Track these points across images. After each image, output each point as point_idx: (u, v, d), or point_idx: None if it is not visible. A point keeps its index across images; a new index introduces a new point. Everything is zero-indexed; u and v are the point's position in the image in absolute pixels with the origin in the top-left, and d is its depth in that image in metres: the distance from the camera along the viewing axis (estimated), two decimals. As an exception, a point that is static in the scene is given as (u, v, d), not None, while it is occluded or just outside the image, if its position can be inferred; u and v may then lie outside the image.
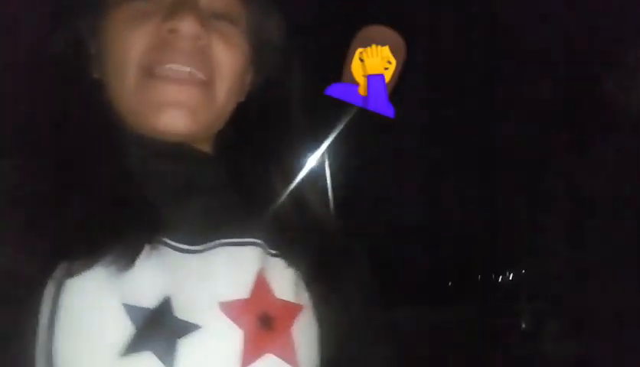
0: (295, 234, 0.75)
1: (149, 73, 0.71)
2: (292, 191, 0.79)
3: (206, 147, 0.79)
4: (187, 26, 0.71)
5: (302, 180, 0.81)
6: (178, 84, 0.71)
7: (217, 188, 0.76)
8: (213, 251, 0.69)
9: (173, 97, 0.71)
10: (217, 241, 0.70)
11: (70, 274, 0.63)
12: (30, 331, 0.61)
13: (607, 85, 1.29)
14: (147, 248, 0.66)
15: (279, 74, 0.82)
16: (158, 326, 0.63)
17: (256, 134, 0.81)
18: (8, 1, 0.91)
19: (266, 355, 0.66)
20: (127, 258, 0.64)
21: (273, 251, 0.73)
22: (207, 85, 0.73)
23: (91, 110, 0.74)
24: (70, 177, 0.69)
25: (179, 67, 0.71)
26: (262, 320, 0.67)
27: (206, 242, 0.70)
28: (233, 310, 0.66)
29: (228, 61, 0.75)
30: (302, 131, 0.83)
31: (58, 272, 0.63)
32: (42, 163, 0.71)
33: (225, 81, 0.75)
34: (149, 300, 0.64)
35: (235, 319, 0.66)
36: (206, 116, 0.74)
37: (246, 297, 0.68)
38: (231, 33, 0.75)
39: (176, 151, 0.74)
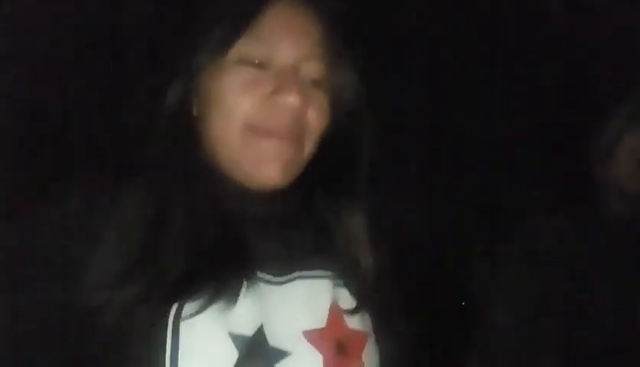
0: (358, 266, 0.86)
1: (252, 130, 0.83)
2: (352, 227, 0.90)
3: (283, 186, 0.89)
4: (292, 101, 0.82)
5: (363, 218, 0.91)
6: (278, 142, 0.83)
7: (294, 224, 0.87)
8: (293, 283, 0.81)
9: (274, 152, 0.83)
10: (295, 274, 0.81)
11: (186, 312, 0.74)
12: (159, 355, 0.73)
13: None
14: (249, 283, 0.78)
15: (349, 123, 0.92)
16: (257, 352, 0.75)
17: (328, 176, 0.92)
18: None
19: None
20: (233, 293, 0.76)
21: (340, 282, 0.84)
22: (299, 143, 0.85)
23: (195, 156, 0.86)
24: (177, 223, 0.80)
25: (280, 133, 0.83)
26: (338, 347, 0.79)
27: (287, 274, 0.81)
28: (314, 337, 0.78)
29: (317, 124, 0.86)
30: (365, 175, 0.93)
31: (173, 310, 0.74)
32: (154, 206, 0.81)
33: (312, 139, 0.87)
34: (248, 328, 0.75)
35: (316, 346, 0.78)
36: (295, 169, 0.86)
37: (322, 326, 0.79)
38: (321, 99, 0.87)
39: (268, 198, 0.85)
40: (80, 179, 0.89)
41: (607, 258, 1.22)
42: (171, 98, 0.87)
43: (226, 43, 0.84)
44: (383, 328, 0.86)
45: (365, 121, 0.93)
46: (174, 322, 0.73)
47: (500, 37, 2.03)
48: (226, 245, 0.80)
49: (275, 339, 0.76)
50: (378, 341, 0.85)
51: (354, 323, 0.83)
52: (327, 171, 0.91)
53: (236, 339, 0.74)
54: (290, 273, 0.82)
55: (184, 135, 0.86)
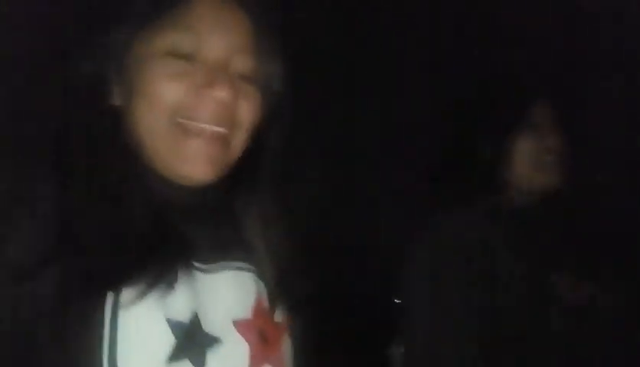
0: (269, 262, 0.90)
1: (181, 127, 0.82)
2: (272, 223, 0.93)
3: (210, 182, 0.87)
4: (220, 94, 0.81)
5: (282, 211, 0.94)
6: (205, 141, 0.82)
7: (218, 216, 0.89)
8: (222, 273, 0.84)
9: (200, 151, 0.82)
10: (222, 263, 0.85)
11: (124, 299, 0.74)
12: (97, 353, 0.73)
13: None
14: (184, 271, 0.79)
15: (274, 114, 0.92)
16: (193, 338, 0.77)
17: (252, 172, 0.93)
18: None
19: (266, 365, 0.84)
20: (171, 280, 0.77)
21: (261, 278, 0.88)
22: (227, 139, 0.85)
23: (115, 144, 0.83)
24: (109, 215, 0.79)
25: (208, 127, 0.82)
26: (262, 337, 0.85)
27: (214, 263, 0.84)
28: (242, 327, 0.83)
29: (248, 118, 0.86)
30: (289, 172, 0.96)
31: (110, 298, 0.74)
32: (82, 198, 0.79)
33: (243, 134, 0.86)
34: (184, 315, 0.77)
35: (244, 335, 0.83)
36: (222, 166, 0.86)
37: (249, 317, 0.84)
38: (251, 92, 0.87)
39: (193, 190, 0.85)
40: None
41: (515, 241, 1.41)
42: (82, 78, 0.84)
43: (141, 24, 0.82)
44: (293, 321, 0.91)
45: (283, 115, 0.93)
46: (112, 309, 0.74)
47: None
48: (160, 233, 0.80)
49: (208, 325, 0.79)
50: (290, 333, 0.90)
51: (275, 315, 0.88)
52: (248, 165, 0.91)
53: (173, 325, 0.76)
54: (218, 262, 0.84)
55: (101, 121, 0.84)
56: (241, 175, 0.91)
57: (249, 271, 0.88)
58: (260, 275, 0.89)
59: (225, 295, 0.83)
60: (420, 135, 1.97)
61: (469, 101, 1.54)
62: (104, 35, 0.84)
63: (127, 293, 0.75)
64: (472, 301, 1.34)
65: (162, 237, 0.80)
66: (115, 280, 0.75)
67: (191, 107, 0.82)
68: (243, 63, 0.86)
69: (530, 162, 1.44)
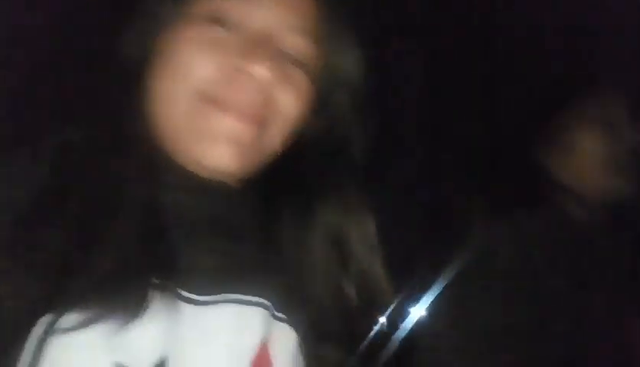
0: (310, 301, 0.70)
1: (206, 99, 0.68)
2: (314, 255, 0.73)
3: (236, 184, 0.73)
4: (260, 72, 0.68)
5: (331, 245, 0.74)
6: (236, 118, 0.68)
7: (238, 232, 0.71)
8: (218, 307, 0.63)
9: (227, 130, 0.68)
10: (225, 295, 0.64)
11: (60, 325, 0.56)
12: None
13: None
14: (152, 296, 0.60)
15: (344, 119, 0.78)
16: None
17: (297, 182, 0.76)
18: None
19: None
20: (132, 309, 0.58)
21: (279, 315, 0.68)
22: (262, 126, 0.70)
23: (134, 123, 0.70)
24: (76, 200, 0.62)
25: (241, 105, 0.68)
26: None
27: (213, 294, 0.64)
28: None
29: (289, 108, 0.71)
30: (351, 190, 0.77)
31: (45, 319, 0.56)
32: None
33: (281, 126, 0.72)
34: (144, 362, 0.58)
35: None
36: (253, 158, 0.71)
37: None
38: (299, 80, 0.72)
39: (214, 195, 0.69)
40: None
41: (566, 267, 1.15)
42: (132, 53, 0.71)
43: None
44: None
45: (360, 123, 0.78)
46: (42, 335, 0.55)
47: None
48: (141, 243, 0.62)
49: None
50: None
51: (286, 365, 0.67)
52: (296, 176, 0.75)
53: None
54: (217, 293, 0.64)
55: (128, 94, 0.70)
56: (283, 182, 0.75)
57: (261, 306, 0.66)
58: (281, 315, 0.68)
59: (215, 339, 0.62)
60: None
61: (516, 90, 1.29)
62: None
63: (69, 319, 0.56)
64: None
65: (141, 247, 0.62)
66: (52, 295, 0.56)
67: (223, 82, 0.68)
68: (294, 42, 0.72)
69: (598, 164, 1.17)
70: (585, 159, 1.19)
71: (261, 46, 0.69)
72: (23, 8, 0.98)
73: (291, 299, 0.68)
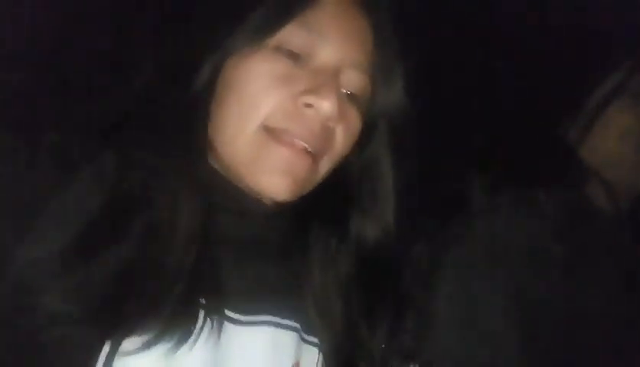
0: (339, 326, 0.74)
1: (272, 131, 0.70)
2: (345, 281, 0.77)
3: (277, 208, 0.77)
4: (327, 108, 0.70)
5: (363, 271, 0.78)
6: (294, 153, 0.71)
7: (276, 254, 0.75)
8: (259, 328, 0.68)
9: (286, 164, 0.71)
10: (263, 317, 0.69)
11: (124, 349, 0.61)
12: None
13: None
14: (203, 319, 0.64)
15: (381, 151, 0.81)
16: None
17: (336, 208, 0.80)
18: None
19: None
20: (186, 332, 0.62)
21: (308, 338, 0.72)
22: (316, 159, 0.73)
23: (197, 147, 0.71)
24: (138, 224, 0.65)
25: (302, 142, 0.71)
26: None
27: (253, 314, 0.69)
28: None
29: (343, 145, 0.75)
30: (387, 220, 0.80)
31: (107, 346, 0.60)
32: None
33: (332, 160, 0.75)
34: None
35: None
36: (307, 187, 0.74)
37: None
38: (354, 117, 0.75)
39: (262, 219, 0.73)
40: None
41: (586, 259, 1.03)
42: (200, 78, 0.72)
43: (269, 27, 0.70)
44: None
45: (403, 156, 0.81)
46: (106, 360, 0.60)
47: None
48: (193, 271, 0.65)
49: None
50: None
51: None
52: (330, 204, 0.79)
53: None
54: (258, 314, 0.69)
55: (196, 122, 0.71)
56: (320, 217, 0.79)
57: (294, 330, 0.72)
58: (311, 338, 0.73)
59: (256, 357, 0.68)
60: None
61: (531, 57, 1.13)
62: (227, 34, 0.73)
63: (129, 343, 0.61)
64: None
65: (194, 274, 0.64)
66: (112, 322, 0.61)
67: (287, 115, 0.71)
68: (354, 79, 0.74)
69: (631, 144, 1.03)
70: (619, 141, 1.05)
71: (330, 82, 0.70)
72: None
73: (318, 323, 0.73)
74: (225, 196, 0.72)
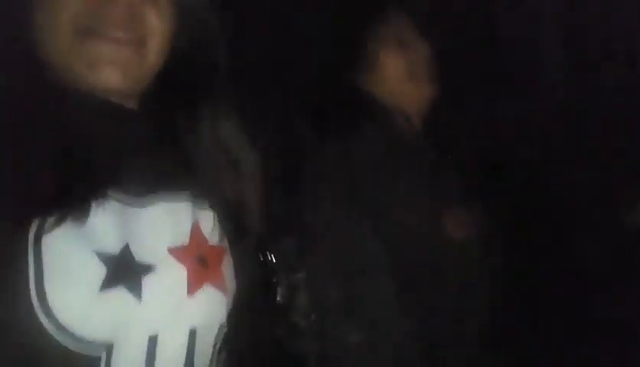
0: (221, 187, 0.91)
1: (85, 33, 0.79)
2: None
3: (133, 105, 0.89)
4: None
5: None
6: (113, 44, 0.81)
7: (153, 146, 0.88)
8: (154, 207, 0.84)
9: (108, 56, 0.81)
10: (155, 197, 0.84)
11: (44, 230, 0.74)
12: (23, 280, 0.72)
13: None
14: (100, 202, 0.78)
15: (202, 38, 0.92)
16: (125, 268, 0.78)
17: (181, 93, 0.92)
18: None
19: (205, 285, 0.86)
20: (81, 212, 0.75)
21: (203, 205, 0.89)
22: (139, 45, 0.83)
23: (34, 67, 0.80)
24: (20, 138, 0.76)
25: (114, 31, 0.80)
26: (200, 260, 0.86)
27: (146, 197, 0.83)
28: (178, 253, 0.84)
29: (158, 25, 0.84)
30: (224, 93, 0.94)
31: (36, 223, 0.73)
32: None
33: (155, 42, 0.85)
34: (113, 247, 0.78)
35: (180, 260, 0.84)
36: (137, 73, 0.84)
37: (186, 244, 0.85)
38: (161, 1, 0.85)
39: (111, 109, 0.84)
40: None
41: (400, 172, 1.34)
42: None
43: None
44: (235, 243, 0.93)
45: (216, 24, 0.92)
46: (35, 235, 0.73)
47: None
48: (71, 163, 0.78)
49: (142, 255, 0.80)
50: (232, 254, 0.92)
51: (214, 239, 0.89)
52: (182, 86, 0.91)
53: (102, 257, 0.76)
54: (149, 195, 0.84)
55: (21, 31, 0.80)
56: (178, 100, 0.91)
57: (187, 201, 0.88)
58: (203, 203, 0.89)
59: (159, 226, 0.84)
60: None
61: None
62: None
63: (49, 221, 0.74)
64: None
65: (72, 166, 0.78)
66: (32, 208, 0.73)
67: (93, 12, 0.80)
68: None
69: (402, 77, 1.38)
70: (390, 75, 1.39)
71: None
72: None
73: (204, 191, 0.90)
74: (83, 101, 0.81)
